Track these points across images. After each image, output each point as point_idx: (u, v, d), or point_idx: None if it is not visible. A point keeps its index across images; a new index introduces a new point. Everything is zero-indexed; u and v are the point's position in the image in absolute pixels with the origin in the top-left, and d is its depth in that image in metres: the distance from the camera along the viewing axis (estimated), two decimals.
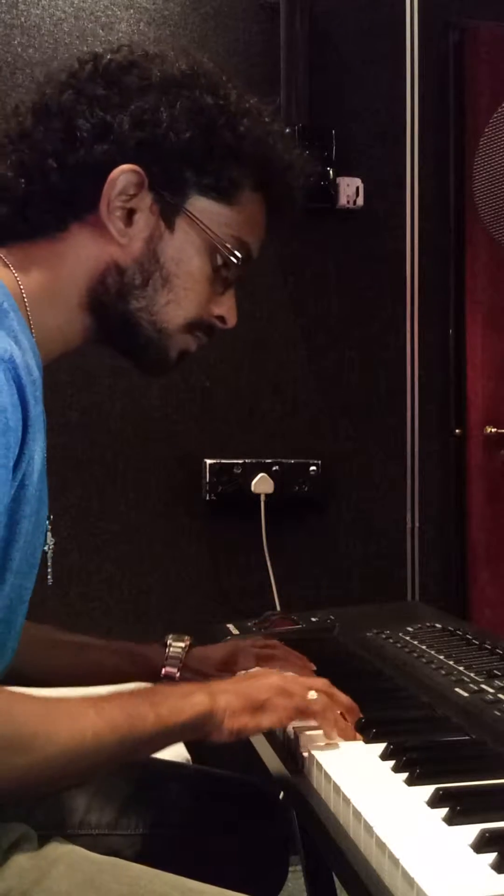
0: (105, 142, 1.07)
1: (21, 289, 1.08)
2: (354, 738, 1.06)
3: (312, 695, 1.06)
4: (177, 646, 1.33)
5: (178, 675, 1.31)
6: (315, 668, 1.33)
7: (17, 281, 1.08)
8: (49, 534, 1.14)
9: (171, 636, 1.35)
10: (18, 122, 1.11)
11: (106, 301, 1.11)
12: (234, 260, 1.13)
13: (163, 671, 1.31)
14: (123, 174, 1.07)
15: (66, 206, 1.09)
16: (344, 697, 1.10)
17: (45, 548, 1.18)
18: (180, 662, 1.32)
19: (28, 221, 1.09)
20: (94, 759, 0.96)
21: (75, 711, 0.95)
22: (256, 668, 1.20)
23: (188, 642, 1.34)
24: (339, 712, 1.07)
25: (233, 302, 1.19)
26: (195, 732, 1.03)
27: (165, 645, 1.34)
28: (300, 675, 1.17)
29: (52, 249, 1.10)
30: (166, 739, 1.03)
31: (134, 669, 1.33)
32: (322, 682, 1.10)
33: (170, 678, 1.31)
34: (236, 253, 1.13)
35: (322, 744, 1.05)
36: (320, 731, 1.06)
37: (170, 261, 1.11)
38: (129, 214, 1.09)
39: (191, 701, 1.02)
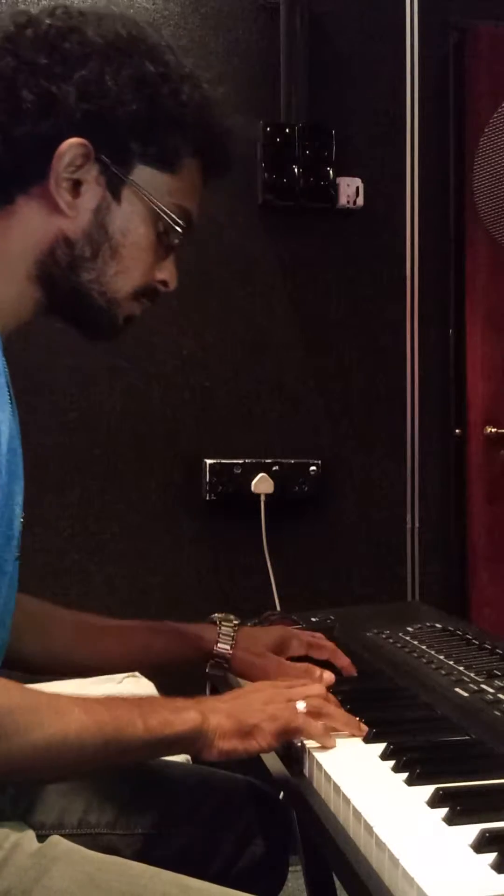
0: (51, 114, 1.05)
1: None
2: (332, 743, 1.06)
3: (300, 706, 1.06)
4: (228, 625, 1.34)
5: (230, 652, 1.32)
6: (355, 671, 1.35)
7: None
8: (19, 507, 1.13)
9: (217, 615, 1.36)
10: None
11: (55, 273, 1.10)
12: (178, 228, 1.13)
13: (215, 648, 1.32)
14: (71, 147, 1.06)
15: (10, 179, 1.08)
16: (334, 701, 1.10)
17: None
18: (233, 640, 1.33)
19: None
20: (75, 756, 0.96)
21: (62, 707, 0.96)
22: (252, 684, 1.20)
23: (237, 622, 1.35)
24: (322, 727, 1.06)
25: (173, 266, 1.19)
26: (184, 748, 1.04)
27: (214, 623, 1.34)
28: (327, 679, 1.20)
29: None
30: (153, 750, 1.04)
31: (185, 649, 1.34)
32: (317, 689, 1.11)
33: (222, 657, 1.32)
34: (180, 221, 1.13)
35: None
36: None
37: (117, 232, 1.11)
38: (76, 186, 1.08)
39: (182, 716, 1.02)
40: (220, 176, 1.20)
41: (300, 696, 1.09)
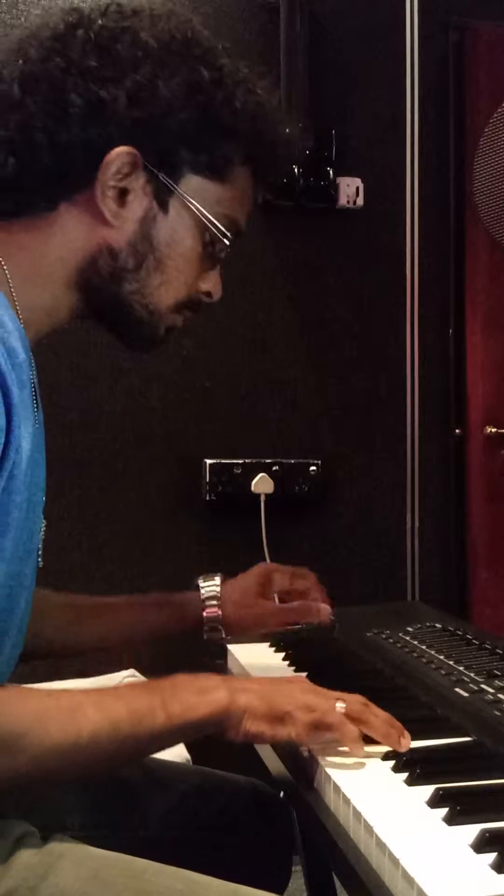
0: (100, 120, 1.01)
1: (5, 269, 1.04)
2: (365, 754, 1.00)
3: (339, 706, 1.01)
4: (210, 585, 1.32)
5: (220, 613, 1.30)
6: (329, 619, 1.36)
7: (1, 262, 1.04)
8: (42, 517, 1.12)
9: (201, 577, 1.34)
10: (3, 90, 1.03)
11: (97, 283, 1.08)
12: (226, 240, 1.10)
13: (204, 613, 1.30)
14: (119, 156, 1.03)
15: (56, 185, 1.05)
16: (380, 713, 1.03)
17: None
18: (218, 600, 1.31)
19: (15, 201, 1.05)
20: (90, 758, 0.94)
21: (73, 708, 0.93)
22: (288, 676, 1.17)
23: (219, 578, 1.33)
24: (358, 731, 1.00)
25: (219, 276, 1.16)
26: (210, 729, 1.00)
27: (197, 588, 1.33)
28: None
29: (40, 229, 1.06)
30: (178, 737, 1.01)
31: (171, 621, 1.33)
32: (356, 697, 1.05)
33: (214, 619, 1.31)
34: (227, 233, 1.10)
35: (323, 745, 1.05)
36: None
37: (163, 243, 1.07)
38: (122, 195, 1.05)
39: (208, 698, 0.98)
40: (272, 184, 1.19)
41: (338, 695, 1.04)
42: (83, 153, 1.02)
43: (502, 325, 2.83)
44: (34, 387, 1.07)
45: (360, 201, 2.72)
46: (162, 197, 1.07)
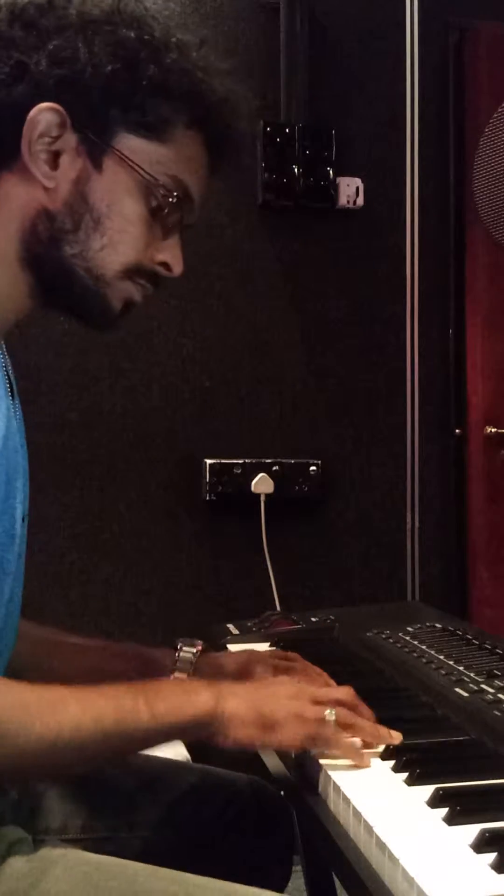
0: (22, 81, 1.01)
1: None
2: (366, 763, 0.99)
3: (329, 714, 1.00)
4: (188, 650, 1.27)
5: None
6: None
7: None
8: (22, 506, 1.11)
9: (181, 640, 1.29)
10: None
11: (39, 252, 1.05)
12: (170, 199, 1.07)
13: (172, 677, 1.25)
14: (42, 112, 1.02)
15: None
16: (366, 712, 1.05)
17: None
18: (192, 667, 1.26)
19: None
20: (72, 753, 0.93)
21: (55, 701, 0.92)
22: (272, 677, 1.16)
23: (199, 647, 1.28)
24: (352, 738, 1.01)
25: (177, 247, 1.11)
26: (196, 733, 1.00)
27: (176, 649, 1.28)
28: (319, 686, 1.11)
29: None
30: (161, 738, 0.99)
31: (140, 674, 1.25)
32: (345, 692, 1.06)
33: None
34: (172, 192, 1.07)
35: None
36: None
37: (99, 202, 1.05)
38: (56, 157, 1.04)
39: (193, 700, 0.98)
40: (224, 150, 1.13)
41: (327, 698, 1.04)
42: (8, 116, 1.02)
43: (502, 326, 2.84)
44: (8, 376, 1.08)
45: (360, 201, 2.72)
46: (95, 156, 1.05)
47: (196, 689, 1.00)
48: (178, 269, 1.12)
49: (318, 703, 1.02)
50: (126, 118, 1.05)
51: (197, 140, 1.09)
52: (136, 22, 1.05)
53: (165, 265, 1.11)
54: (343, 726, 1.01)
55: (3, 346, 1.12)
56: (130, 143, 1.05)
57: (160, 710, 0.96)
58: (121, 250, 1.07)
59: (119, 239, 1.07)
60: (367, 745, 1.03)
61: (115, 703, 0.95)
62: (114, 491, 2.66)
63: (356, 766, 0.99)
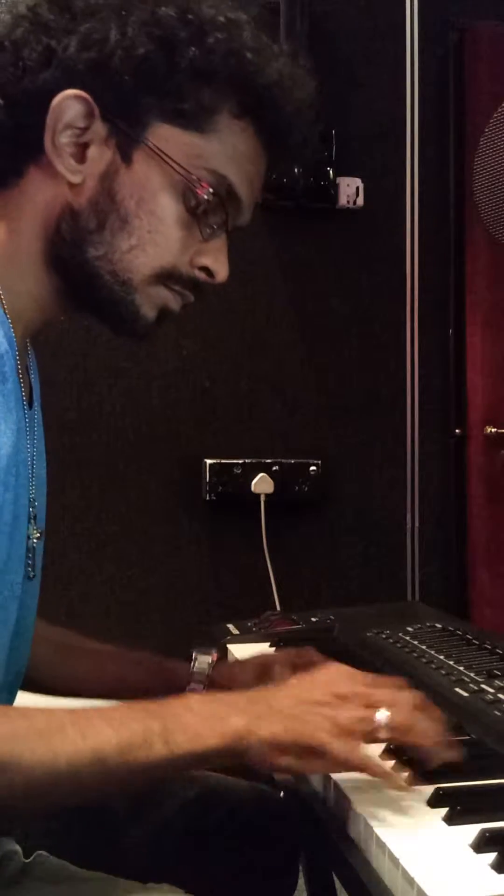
0: (49, 67, 0.93)
1: None
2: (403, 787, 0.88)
3: (381, 716, 0.86)
4: (203, 660, 1.21)
5: (203, 693, 1.18)
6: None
7: None
8: (34, 522, 1.05)
9: (196, 649, 1.23)
10: None
11: (64, 253, 0.96)
12: (207, 197, 0.96)
13: (187, 689, 1.19)
14: (66, 101, 0.93)
15: (15, 145, 0.96)
16: (428, 723, 0.90)
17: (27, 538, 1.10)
18: (206, 678, 1.20)
19: None
20: (68, 787, 0.82)
21: (50, 730, 0.81)
22: (314, 672, 0.96)
23: (215, 656, 1.22)
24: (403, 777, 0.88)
25: (222, 252, 1.01)
26: (221, 760, 0.87)
27: (190, 658, 1.23)
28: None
29: (12, 201, 0.97)
30: (179, 769, 0.89)
31: (157, 684, 1.22)
32: (407, 698, 0.90)
33: None
34: (209, 189, 0.96)
35: None
36: None
37: (128, 199, 0.95)
38: (83, 150, 0.95)
39: (219, 727, 0.85)
40: (281, 141, 1.01)
41: (388, 700, 0.88)
42: (34, 104, 0.94)
43: (502, 325, 2.83)
44: (29, 382, 1.02)
45: (360, 201, 2.72)
46: (125, 148, 0.95)
47: (223, 713, 0.86)
48: (221, 275, 1.01)
49: (370, 705, 0.88)
50: (161, 106, 0.95)
51: (247, 131, 0.98)
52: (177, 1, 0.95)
53: (207, 270, 1.01)
54: (401, 731, 0.88)
55: (31, 349, 1.07)
56: (165, 134, 0.95)
57: (178, 739, 0.83)
58: (151, 252, 0.97)
59: (149, 240, 0.96)
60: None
61: (122, 730, 0.83)
62: (114, 491, 2.66)
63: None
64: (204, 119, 0.96)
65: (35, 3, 0.96)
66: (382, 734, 0.85)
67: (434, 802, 0.88)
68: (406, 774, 0.89)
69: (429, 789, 0.90)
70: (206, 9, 0.96)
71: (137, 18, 0.93)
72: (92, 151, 0.95)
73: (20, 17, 0.96)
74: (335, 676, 0.91)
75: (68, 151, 0.95)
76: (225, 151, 0.97)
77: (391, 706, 0.86)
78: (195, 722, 0.84)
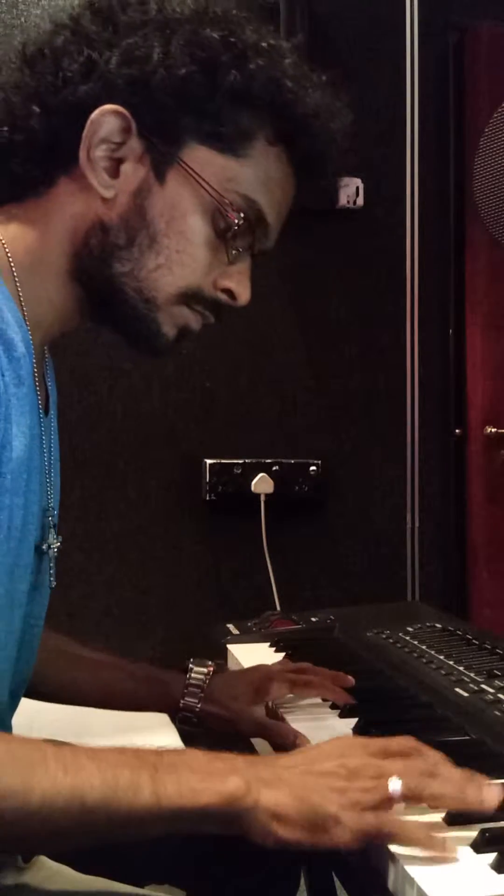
0: (89, 80, 0.93)
1: (8, 256, 0.96)
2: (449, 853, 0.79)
3: (395, 786, 0.80)
4: (198, 672, 1.19)
5: (199, 707, 1.18)
6: (353, 681, 1.21)
7: (4, 247, 0.96)
8: (53, 531, 1.06)
9: (193, 661, 1.22)
10: (11, 68, 0.98)
11: (90, 266, 0.97)
12: (237, 221, 0.97)
13: (181, 702, 1.18)
14: (105, 115, 0.94)
15: (48, 155, 0.96)
16: (441, 783, 0.83)
17: (47, 547, 1.10)
18: (201, 692, 1.19)
19: (12, 176, 0.97)
20: (39, 826, 0.74)
21: (30, 761, 0.75)
22: (321, 744, 0.88)
23: (211, 668, 1.21)
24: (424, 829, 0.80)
25: (245, 275, 1.03)
26: (218, 826, 0.79)
27: (186, 670, 1.21)
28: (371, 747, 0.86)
29: (40, 209, 0.98)
30: (168, 825, 0.78)
31: (150, 697, 1.22)
32: (420, 764, 0.84)
33: (189, 711, 1.18)
34: (241, 214, 0.98)
35: None
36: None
37: (158, 217, 0.96)
38: (117, 165, 0.96)
39: (215, 785, 0.77)
40: (313, 175, 1.04)
41: (398, 769, 0.82)
42: (72, 116, 0.94)
43: (502, 325, 2.83)
44: (44, 389, 1.02)
45: (360, 201, 2.72)
46: (160, 167, 0.96)
47: (223, 770, 0.79)
48: (243, 298, 1.04)
49: (383, 777, 0.81)
50: (199, 127, 0.96)
51: (281, 158, 1.00)
52: (223, 22, 0.97)
53: (229, 293, 1.03)
54: (416, 797, 0.82)
55: (49, 357, 1.07)
56: (201, 156, 0.96)
57: (169, 791, 0.76)
58: (177, 272, 0.98)
59: (176, 259, 0.97)
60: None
61: (108, 771, 0.76)
62: (114, 491, 2.66)
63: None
64: (240, 143, 0.97)
65: (78, 13, 0.98)
66: (396, 803, 0.80)
67: None
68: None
69: None
70: (250, 34, 0.97)
71: (181, 38, 0.94)
72: (126, 167, 0.96)
73: (61, 27, 0.97)
74: (344, 748, 0.85)
75: (102, 166, 0.96)
76: (258, 177, 0.99)
77: (402, 775, 0.81)
78: (191, 776, 0.78)
